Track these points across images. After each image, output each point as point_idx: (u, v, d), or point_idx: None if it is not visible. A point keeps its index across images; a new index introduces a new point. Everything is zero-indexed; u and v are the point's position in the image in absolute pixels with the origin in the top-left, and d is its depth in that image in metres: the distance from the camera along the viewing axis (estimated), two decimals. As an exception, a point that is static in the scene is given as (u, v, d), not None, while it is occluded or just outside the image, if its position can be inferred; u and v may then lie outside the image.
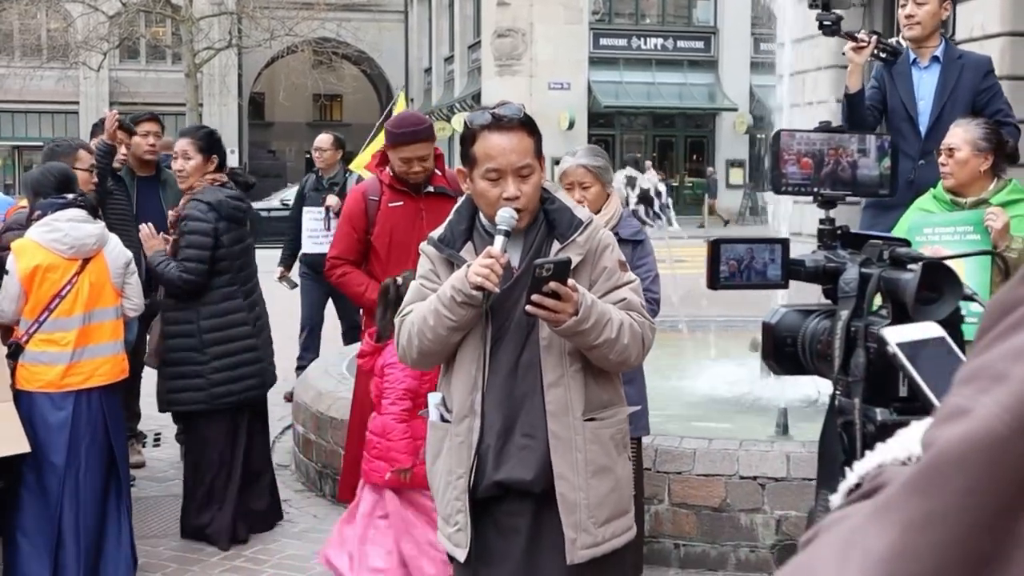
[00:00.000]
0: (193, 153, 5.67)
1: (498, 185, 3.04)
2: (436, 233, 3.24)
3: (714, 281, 1.66)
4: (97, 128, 7.18)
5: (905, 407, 1.52)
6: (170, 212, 5.86)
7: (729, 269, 1.66)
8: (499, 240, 2.98)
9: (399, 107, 10.23)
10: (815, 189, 1.71)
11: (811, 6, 5.34)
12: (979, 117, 4.79)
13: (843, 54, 5.64)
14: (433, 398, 3.25)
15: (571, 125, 36.45)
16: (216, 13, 36.42)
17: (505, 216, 3.00)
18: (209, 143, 5.72)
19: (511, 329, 3.09)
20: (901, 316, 1.50)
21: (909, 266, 1.53)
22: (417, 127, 5.37)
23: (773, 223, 19.24)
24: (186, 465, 5.87)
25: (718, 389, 7.47)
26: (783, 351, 1.67)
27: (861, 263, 1.58)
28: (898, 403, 1.53)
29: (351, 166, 9.26)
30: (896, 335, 1.13)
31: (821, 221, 1.71)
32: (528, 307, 2.86)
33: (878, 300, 1.55)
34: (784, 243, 1.70)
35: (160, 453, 7.47)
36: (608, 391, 3.18)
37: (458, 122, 37.41)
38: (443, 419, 3.19)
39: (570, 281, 2.88)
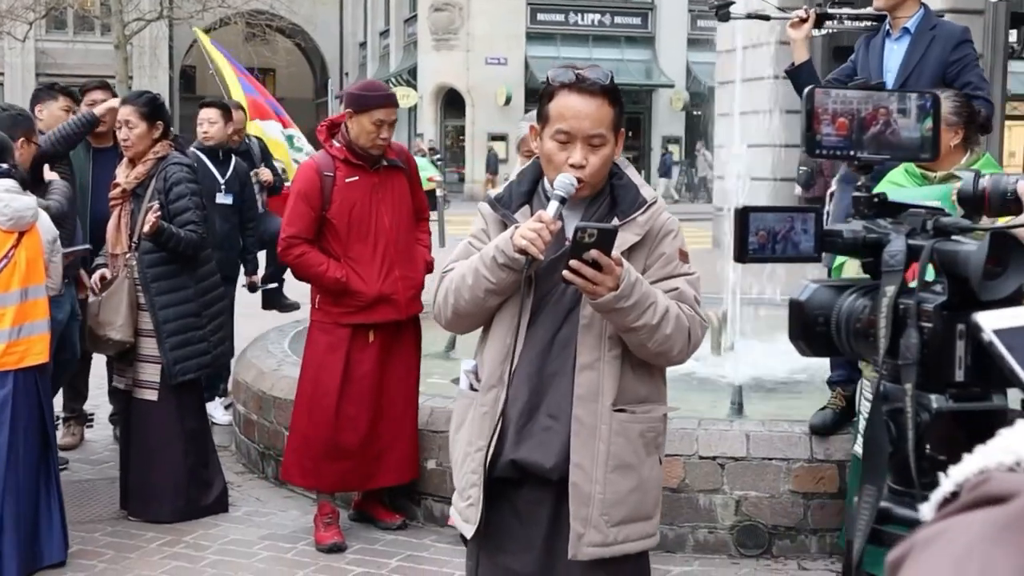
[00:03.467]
0: (136, 121, 5.49)
1: (565, 149, 2.85)
2: (495, 192, 3.07)
3: (743, 254, 1.50)
4: (41, 94, 6.84)
5: (962, 393, 1.37)
6: (120, 182, 5.60)
7: (759, 240, 1.50)
8: (553, 206, 2.80)
9: (204, 42, 9.89)
10: (852, 152, 1.55)
11: None
12: (948, 90, 4.66)
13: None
14: (465, 364, 3.08)
15: (508, 100, 36.28)
16: (146, -17, 35.60)
17: (564, 182, 2.82)
18: (152, 109, 5.53)
19: (553, 302, 2.91)
20: (959, 292, 1.35)
21: (955, 237, 1.38)
22: (387, 91, 5.34)
23: (717, 199, 19.25)
24: (163, 444, 5.61)
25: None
26: (814, 331, 1.51)
27: (907, 234, 1.43)
28: (954, 389, 1.38)
29: (250, 131, 8.60)
30: (992, 321, 0.98)
31: (857, 188, 1.56)
32: (565, 272, 2.67)
33: (929, 274, 1.40)
34: (817, 212, 1.55)
35: (93, 435, 7.19)
36: (647, 385, 2.97)
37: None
38: (472, 387, 3.02)
39: (615, 254, 2.70)
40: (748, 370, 7.01)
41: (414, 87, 37.40)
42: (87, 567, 5.01)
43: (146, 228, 5.35)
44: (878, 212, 1.54)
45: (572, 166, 2.84)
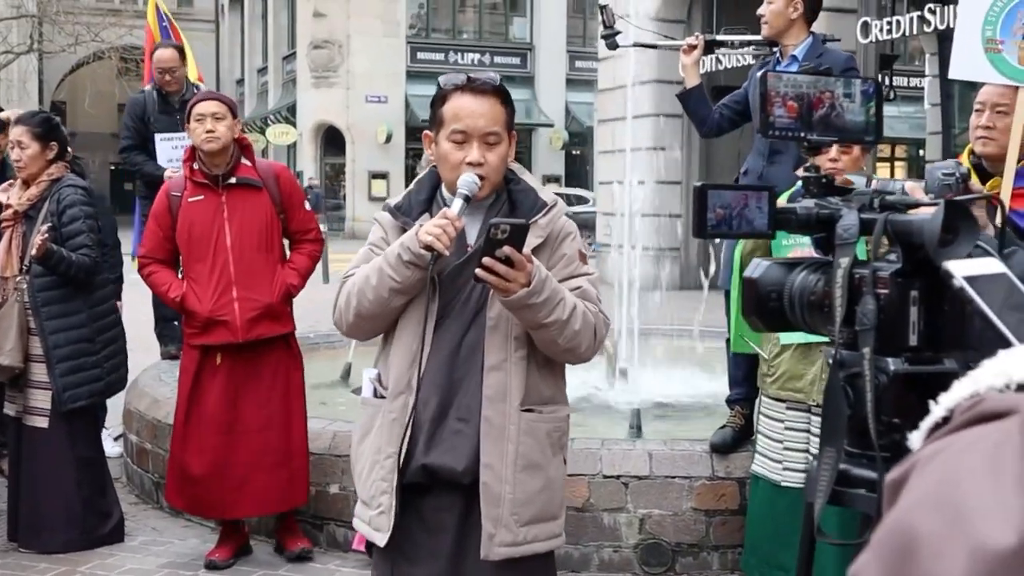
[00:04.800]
0: (28, 141, 5.38)
1: (462, 149, 2.89)
2: (393, 201, 3.10)
3: (701, 229, 1.56)
4: None
5: (916, 357, 1.45)
6: (12, 202, 5.46)
7: (716, 217, 1.56)
8: (457, 203, 2.83)
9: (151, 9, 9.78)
10: (802, 134, 1.63)
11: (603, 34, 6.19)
12: None
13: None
14: (368, 372, 3.07)
15: (388, 138, 36.29)
16: (15, 16, 34.79)
17: (467, 180, 2.85)
18: (46, 129, 5.42)
19: (458, 307, 2.95)
20: (912, 260, 1.43)
21: (912, 210, 1.47)
22: (212, 92, 5.54)
23: (601, 235, 19.49)
24: (54, 472, 5.45)
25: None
26: (767, 306, 1.57)
27: (859, 209, 1.51)
28: (908, 353, 1.45)
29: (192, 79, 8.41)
30: (962, 269, 1.05)
31: (806, 168, 1.64)
32: (478, 271, 2.70)
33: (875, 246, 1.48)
34: (770, 191, 1.62)
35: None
36: (551, 386, 3.03)
37: (272, 134, 36.87)
38: (377, 395, 3.01)
39: (526, 250, 2.74)
40: (643, 395, 7.12)
41: (293, 124, 37.20)
42: (-23, 600, 4.86)
43: (34, 251, 5.23)
44: (827, 191, 1.62)
45: (470, 164, 2.88)
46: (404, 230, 2.96)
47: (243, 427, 5.16)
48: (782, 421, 4.64)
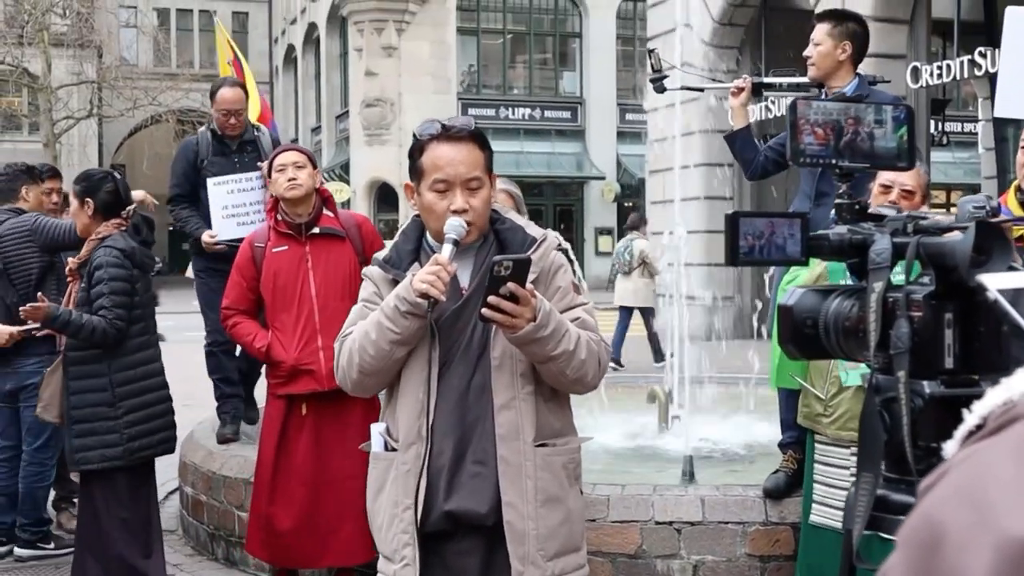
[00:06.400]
0: (72, 199, 5.51)
1: (446, 197, 2.92)
2: (382, 254, 3.12)
3: (734, 257, 1.56)
4: (23, 176, 6.77)
5: (952, 380, 1.44)
6: (70, 260, 5.56)
7: (748, 244, 1.57)
8: (447, 248, 2.86)
9: (220, 37, 9.66)
10: (832, 161, 1.64)
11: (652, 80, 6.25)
12: None
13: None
14: (377, 427, 3.09)
15: (441, 194, 36.48)
16: (76, 82, 35.58)
17: (454, 224, 2.88)
18: (84, 188, 5.37)
19: (460, 351, 2.97)
20: (946, 282, 1.43)
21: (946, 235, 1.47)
22: (291, 143, 5.47)
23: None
24: (90, 527, 5.39)
25: (617, 441, 7.39)
26: (803, 333, 1.57)
27: (891, 234, 1.51)
28: (944, 375, 1.45)
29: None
30: (996, 282, 1.05)
31: (839, 195, 1.65)
32: (484, 310, 2.71)
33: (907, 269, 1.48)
34: (803, 217, 1.62)
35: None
36: (560, 419, 3.07)
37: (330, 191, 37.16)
38: (388, 448, 3.03)
39: (528, 286, 2.76)
40: (695, 442, 7.06)
41: (347, 182, 37.56)
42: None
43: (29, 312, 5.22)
44: (859, 218, 1.62)
45: (455, 212, 2.90)
46: (395, 283, 2.99)
47: (330, 477, 5.14)
48: (847, 468, 4.46)
